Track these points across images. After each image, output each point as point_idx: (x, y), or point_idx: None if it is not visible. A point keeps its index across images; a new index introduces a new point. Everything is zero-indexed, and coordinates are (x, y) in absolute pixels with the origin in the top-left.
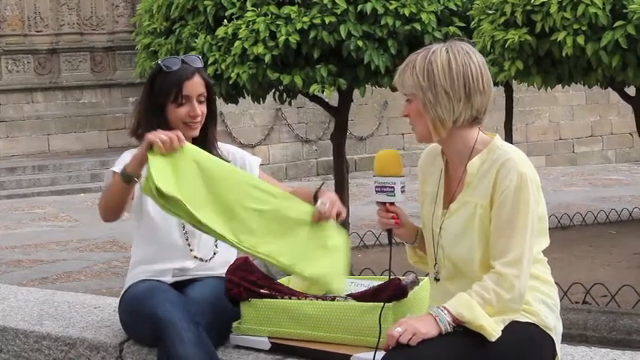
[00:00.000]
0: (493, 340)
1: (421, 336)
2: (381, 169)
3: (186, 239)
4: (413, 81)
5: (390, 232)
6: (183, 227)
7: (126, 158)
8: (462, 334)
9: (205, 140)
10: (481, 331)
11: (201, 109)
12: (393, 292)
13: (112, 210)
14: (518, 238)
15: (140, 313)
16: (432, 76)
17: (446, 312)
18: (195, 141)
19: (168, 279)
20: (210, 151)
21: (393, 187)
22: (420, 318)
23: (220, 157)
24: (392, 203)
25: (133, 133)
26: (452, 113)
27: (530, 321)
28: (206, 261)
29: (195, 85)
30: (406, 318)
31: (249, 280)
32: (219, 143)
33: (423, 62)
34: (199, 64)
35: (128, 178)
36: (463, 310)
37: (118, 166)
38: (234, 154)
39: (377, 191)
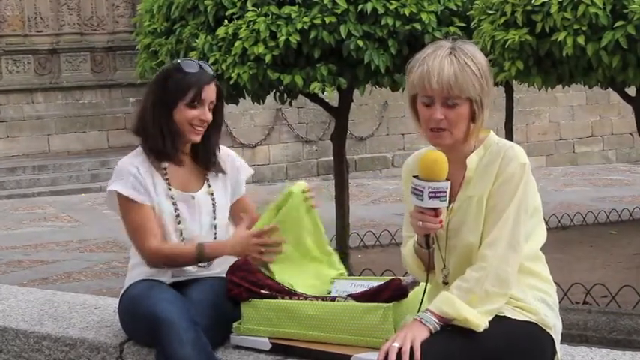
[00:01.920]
0: (480, 330)
1: (418, 340)
2: (435, 173)
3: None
4: (471, 83)
5: (427, 236)
6: (181, 233)
7: (126, 175)
8: (458, 333)
9: (207, 148)
10: (467, 324)
11: (209, 116)
12: (393, 292)
13: (173, 267)
14: (502, 221)
15: (138, 312)
16: (486, 80)
17: (429, 313)
18: (196, 147)
19: (167, 279)
20: (209, 159)
21: (446, 192)
22: (407, 326)
23: (218, 163)
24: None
25: (136, 132)
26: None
27: (529, 319)
28: (204, 267)
29: (211, 91)
30: (396, 332)
31: (250, 280)
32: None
33: (475, 66)
34: (214, 73)
35: (205, 260)
36: (444, 307)
37: (118, 186)
38: (232, 158)
39: (430, 197)
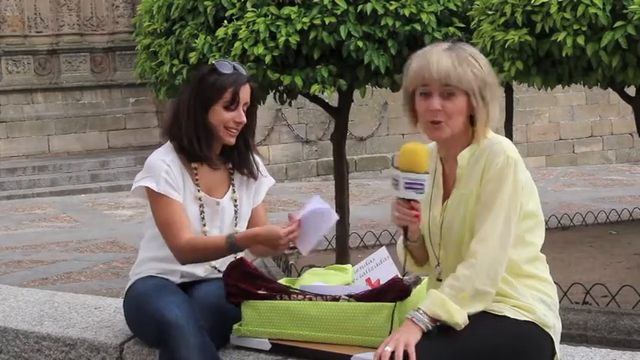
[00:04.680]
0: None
1: (412, 343)
2: (412, 164)
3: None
4: (474, 77)
5: (406, 228)
6: (205, 235)
7: (157, 171)
8: (453, 334)
9: (247, 149)
10: (456, 326)
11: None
12: (397, 293)
13: (203, 261)
14: (492, 216)
15: (146, 311)
16: (490, 75)
17: (421, 312)
18: (228, 149)
19: (176, 279)
20: (248, 161)
21: (423, 184)
22: (401, 328)
23: (256, 165)
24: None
25: (167, 132)
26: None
27: (528, 319)
28: (220, 271)
29: (246, 93)
30: (390, 335)
31: (246, 280)
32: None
33: (477, 60)
34: (248, 74)
35: (236, 249)
36: (437, 309)
37: (151, 182)
38: (259, 166)
39: (406, 187)
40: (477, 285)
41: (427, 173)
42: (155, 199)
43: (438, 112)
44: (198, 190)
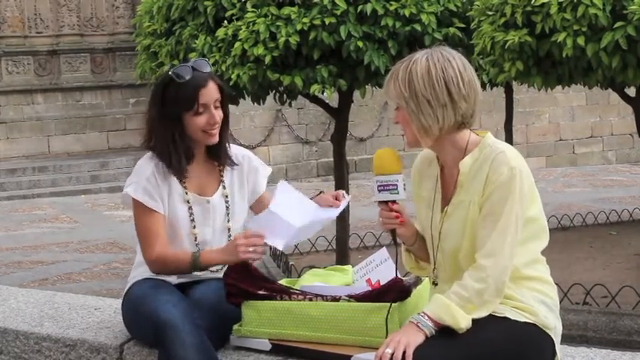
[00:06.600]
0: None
1: (412, 345)
2: (382, 167)
3: (198, 250)
4: (396, 91)
5: (393, 232)
6: (195, 238)
7: (141, 178)
8: (455, 337)
9: (220, 144)
10: (461, 332)
11: (218, 115)
12: (397, 293)
13: (177, 274)
14: (499, 230)
15: (143, 312)
16: (413, 86)
17: (426, 317)
18: (211, 145)
19: (173, 279)
20: (224, 154)
21: (396, 185)
22: (403, 330)
23: (231, 159)
24: (394, 201)
25: (147, 146)
26: (436, 121)
27: (529, 321)
28: (214, 271)
29: (211, 92)
30: (390, 336)
31: (246, 281)
32: (231, 145)
33: (404, 73)
34: (209, 69)
35: (199, 267)
36: (442, 315)
37: (132, 190)
38: (249, 158)
39: (379, 190)
40: (486, 297)
41: (399, 174)
42: (136, 205)
43: (397, 123)
44: (186, 193)
